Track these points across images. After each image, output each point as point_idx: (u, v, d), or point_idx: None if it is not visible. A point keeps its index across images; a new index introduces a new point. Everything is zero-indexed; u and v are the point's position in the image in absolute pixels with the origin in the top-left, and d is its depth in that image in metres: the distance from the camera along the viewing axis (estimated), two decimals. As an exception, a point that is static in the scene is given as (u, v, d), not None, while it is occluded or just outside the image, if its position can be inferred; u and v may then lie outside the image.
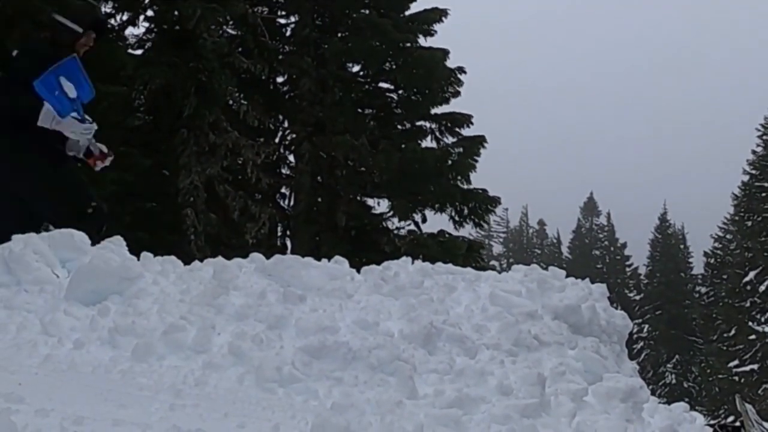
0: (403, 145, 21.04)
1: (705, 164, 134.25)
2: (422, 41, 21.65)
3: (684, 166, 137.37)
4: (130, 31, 19.42)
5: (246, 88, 20.21)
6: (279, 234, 21.73)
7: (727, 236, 53.00)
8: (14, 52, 7.21)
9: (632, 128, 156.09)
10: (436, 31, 21.58)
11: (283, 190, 21.95)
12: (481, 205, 21.26)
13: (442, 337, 5.65)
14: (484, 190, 21.28)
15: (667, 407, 6.32)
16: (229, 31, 21.08)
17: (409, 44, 21.39)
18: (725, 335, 45.19)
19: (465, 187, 21.13)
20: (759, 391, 38.65)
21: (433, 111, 21.69)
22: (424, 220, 21.37)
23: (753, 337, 41.02)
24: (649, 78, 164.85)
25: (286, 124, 22.37)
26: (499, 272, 7.50)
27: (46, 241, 6.55)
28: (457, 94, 21.45)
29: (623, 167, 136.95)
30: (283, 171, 22.18)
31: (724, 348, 44.36)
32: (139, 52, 19.30)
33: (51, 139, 6.87)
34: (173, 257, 6.75)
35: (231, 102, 19.52)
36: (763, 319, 41.72)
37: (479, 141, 21.29)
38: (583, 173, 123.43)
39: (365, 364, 5.13)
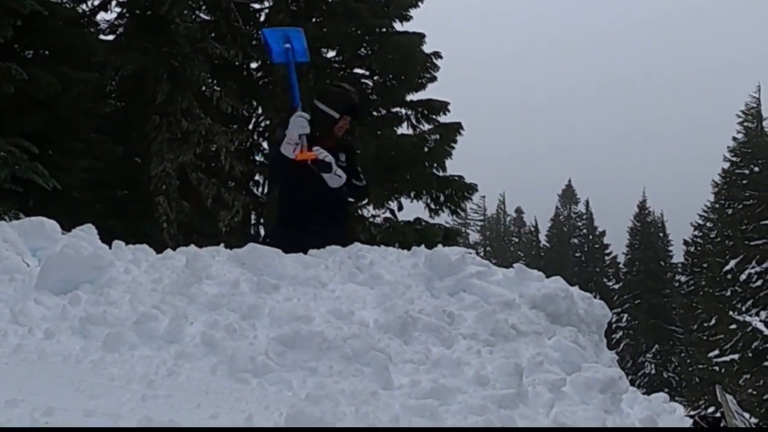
0: (378, 132, 20.99)
1: (685, 151, 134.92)
2: (398, 26, 21.59)
3: (663, 153, 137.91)
4: (101, 16, 19.33)
5: (219, 74, 20.10)
6: (252, 222, 21.65)
7: (708, 224, 52.85)
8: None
9: (611, 114, 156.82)
10: (411, 16, 21.53)
11: (256, 177, 21.84)
12: (458, 192, 21.25)
13: (418, 327, 5.61)
14: (461, 177, 21.27)
15: (646, 398, 6.30)
16: (202, 16, 20.99)
17: (384, 29, 21.32)
18: (705, 325, 45.06)
19: (441, 174, 21.12)
20: (740, 382, 38.58)
21: (410, 97, 21.64)
22: (400, 208, 21.33)
23: (734, 326, 40.89)
24: (629, 64, 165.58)
25: (259, 111, 22.26)
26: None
27: (17, 230, 6.49)
28: (433, 79, 21.43)
29: (602, 154, 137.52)
30: (257, 158, 22.06)
31: (705, 338, 44.24)
32: (110, 37, 19.21)
33: None
34: (145, 246, 6.71)
35: (204, 88, 19.37)
36: (743, 309, 41.66)
37: (456, 128, 21.26)
38: (561, 160, 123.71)
39: (340, 354, 5.08)
